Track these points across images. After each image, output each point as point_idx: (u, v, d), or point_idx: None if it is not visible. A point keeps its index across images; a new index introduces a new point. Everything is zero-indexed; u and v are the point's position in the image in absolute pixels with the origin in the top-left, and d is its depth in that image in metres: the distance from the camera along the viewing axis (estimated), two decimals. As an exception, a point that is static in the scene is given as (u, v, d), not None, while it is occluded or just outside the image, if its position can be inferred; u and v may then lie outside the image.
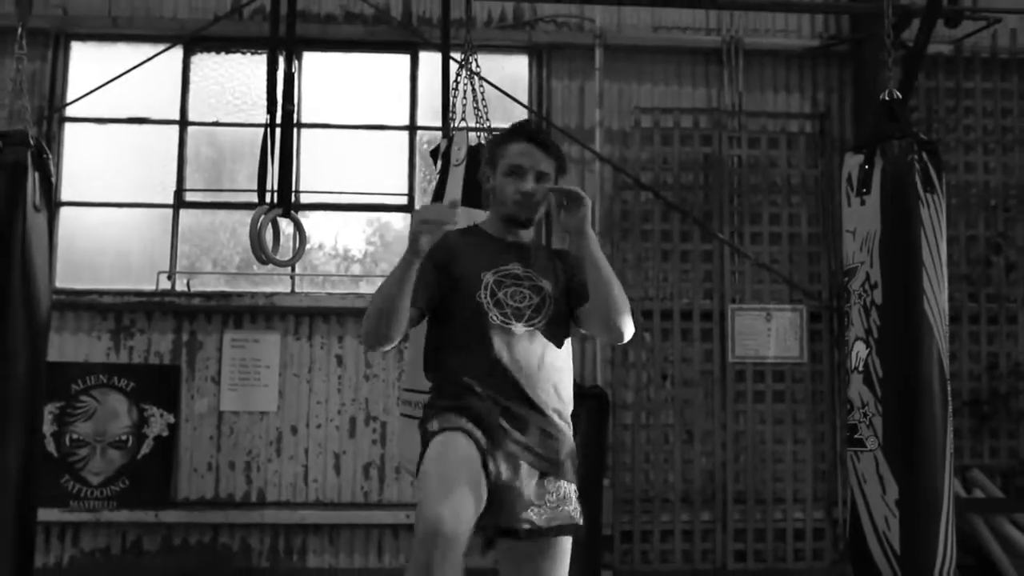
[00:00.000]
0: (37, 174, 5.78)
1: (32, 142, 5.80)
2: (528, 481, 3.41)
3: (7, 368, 5.55)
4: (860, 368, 6.04)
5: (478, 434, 3.34)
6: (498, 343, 3.49)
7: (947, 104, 8.94)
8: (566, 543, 3.49)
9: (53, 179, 5.98)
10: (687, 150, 8.71)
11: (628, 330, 3.55)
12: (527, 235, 3.75)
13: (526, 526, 3.36)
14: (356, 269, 8.84)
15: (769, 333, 8.56)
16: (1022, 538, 8.01)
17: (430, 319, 3.64)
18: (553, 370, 3.57)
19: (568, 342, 3.71)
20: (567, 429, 3.59)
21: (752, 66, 8.95)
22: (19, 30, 5.99)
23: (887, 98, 6.28)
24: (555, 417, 3.53)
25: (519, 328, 3.53)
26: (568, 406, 3.63)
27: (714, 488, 8.46)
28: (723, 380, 8.55)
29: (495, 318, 3.51)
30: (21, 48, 6.03)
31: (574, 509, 3.52)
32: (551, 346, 3.59)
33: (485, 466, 3.29)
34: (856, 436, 6.07)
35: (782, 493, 8.51)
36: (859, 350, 6.09)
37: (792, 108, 9.01)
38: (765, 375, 8.57)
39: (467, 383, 3.45)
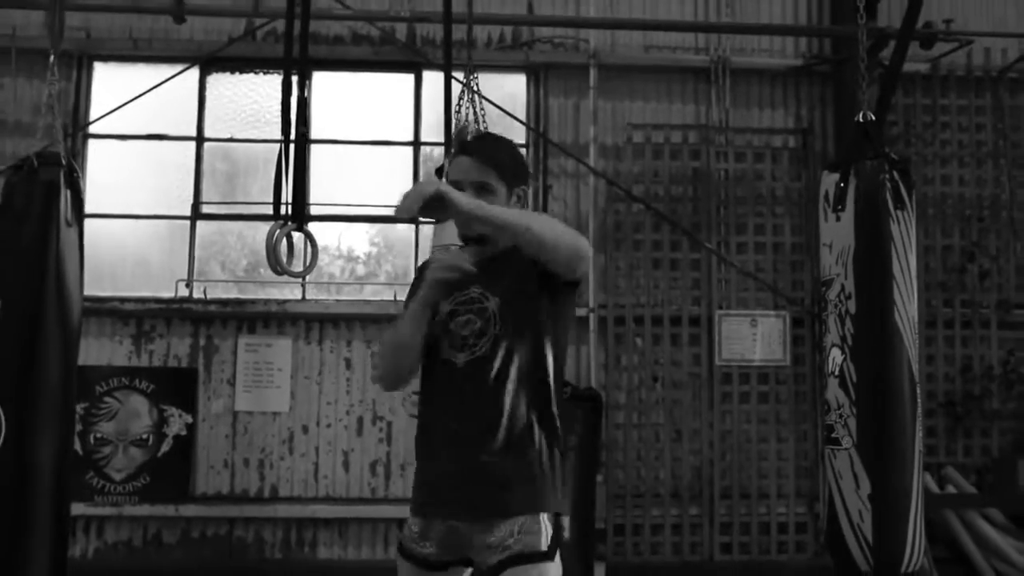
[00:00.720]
0: (69, 192, 5.99)
1: (64, 162, 6.05)
2: (468, 537, 3.13)
3: (42, 374, 5.79)
4: (836, 373, 6.30)
5: (420, 541, 3.22)
6: (443, 379, 3.25)
7: (924, 120, 9.17)
8: (524, 572, 3.07)
9: (83, 196, 6.24)
10: (676, 164, 8.93)
11: (578, 248, 3.09)
12: (496, 248, 3.31)
13: (481, 568, 3.14)
14: (360, 270, 9.07)
15: (754, 338, 8.78)
16: (992, 532, 8.23)
17: None
18: (500, 394, 3.17)
19: (537, 349, 3.25)
20: (519, 457, 3.17)
21: (738, 84, 9.16)
22: (51, 58, 6.20)
23: (861, 120, 6.53)
24: (498, 447, 3.14)
25: (461, 358, 3.21)
26: (527, 428, 3.20)
27: (701, 484, 8.68)
28: (710, 382, 8.76)
29: (443, 352, 3.25)
30: (53, 75, 6.25)
31: (527, 536, 3.10)
32: (499, 368, 3.18)
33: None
34: (833, 435, 6.32)
35: (766, 489, 8.72)
36: (835, 356, 6.35)
37: (776, 124, 9.21)
38: (750, 377, 8.79)
39: (422, 443, 3.30)
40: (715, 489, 8.69)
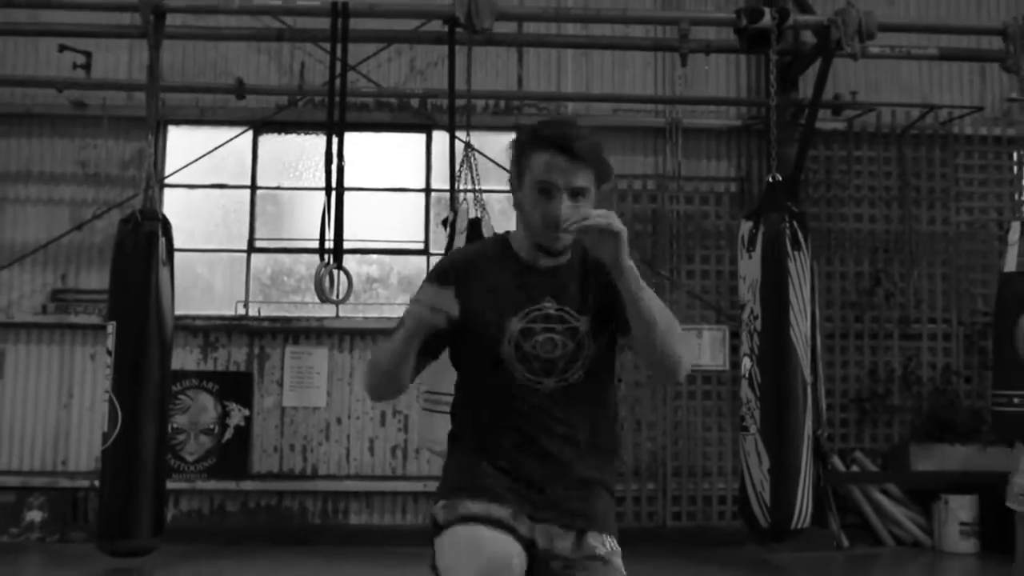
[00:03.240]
0: (164, 239, 7.30)
1: (160, 217, 7.37)
2: (560, 543, 2.70)
3: (146, 377, 7.09)
4: (746, 376, 7.55)
5: (497, 512, 2.66)
6: (522, 407, 2.68)
7: (841, 168, 10.07)
8: (611, 570, 2.68)
9: (174, 242, 7.53)
10: (638, 206, 9.82)
11: (681, 367, 2.65)
12: (565, 257, 2.75)
13: (563, 556, 2.69)
14: (375, 271, 9.86)
15: (700, 347, 9.55)
16: (888, 503, 9.21)
17: (452, 355, 2.87)
18: (592, 421, 2.75)
19: (611, 386, 2.86)
20: (601, 491, 2.80)
21: (689, 141, 10.00)
22: (149, 136, 7.51)
23: (771, 180, 7.81)
24: (583, 486, 2.75)
25: (549, 384, 2.68)
26: (608, 471, 2.86)
27: (657, 464, 9.51)
28: (664, 383, 9.49)
29: (520, 376, 2.67)
30: (152, 147, 7.55)
31: (614, 556, 2.72)
32: (588, 400, 2.73)
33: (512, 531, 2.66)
34: (743, 424, 7.57)
35: (709, 468, 9.56)
36: (746, 363, 7.60)
37: (720, 173, 10.07)
38: (697, 379, 9.59)
39: (483, 462, 2.73)
40: (668, 468, 9.50)
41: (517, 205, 2.73)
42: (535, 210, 2.63)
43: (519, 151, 2.71)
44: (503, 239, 2.80)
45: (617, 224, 2.48)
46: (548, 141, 2.62)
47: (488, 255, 2.76)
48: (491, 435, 2.72)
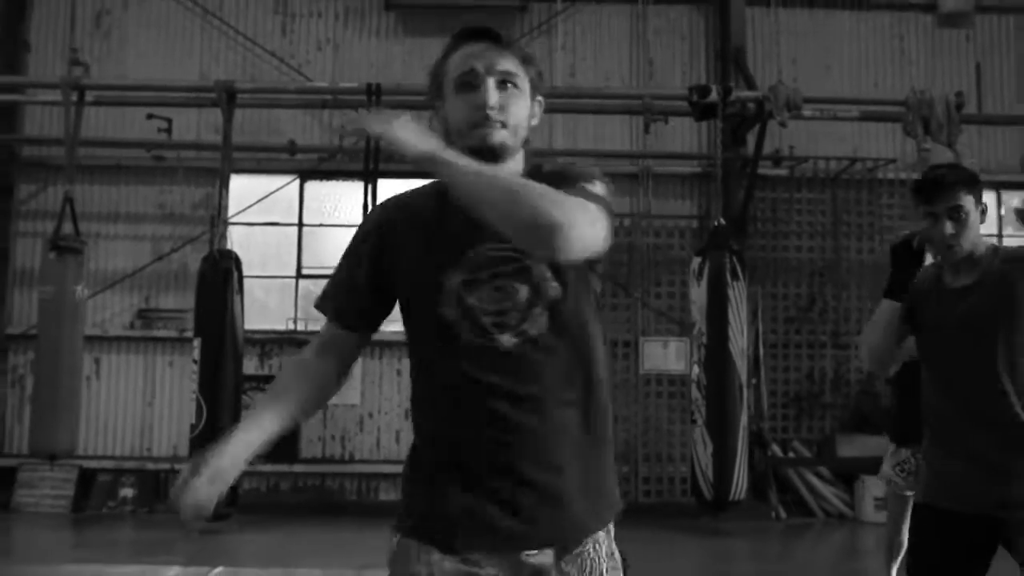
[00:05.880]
0: (236, 273, 8.48)
1: (233, 255, 8.56)
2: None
3: (225, 380, 8.21)
4: (695, 380, 8.75)
5: None
6: (476, 373, 1.88)
7: (784, 207, 11.16)
8: None
9: (243, 275, 8.69)
10: (616, 240, 10.22)
11: (556, 229, 1.71)
12: (512, 168, 1.96)
13: None
14: None
15: (666, 355, 10.67)
16: (819, 483, 10.28)
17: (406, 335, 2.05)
18: (577, 386, 1.93)
19: (594, 328, 1.99)
20: (599, 468, 2.05)
21: (658, 185, 11.11)
22: (224, 191, 8.72)
23: (715, 224, 8.98)
24: (576, 461, 1.97)
25: (507, 340, 1.87)
26: (599, 431, 2.03)
27: (630, 451, 10.55)
28: (636, 384, 10.66)
29: (469, 336, 1.90)
30: (222, 195, 8.74)
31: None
32: (562, 350, 1.91)
33: None
34: (693, 418, 8.73)
35: (673, 455, 10.56)
36: (695, 369, 8.78)
37: (683, 211, 11.17)
38: (663, 381, 10.66)
39: (430, 465, 2.02)
40: (639, 454, 10.56)
41: (443, 129, 1.99)
42: (461, 109, 1.94)
43: (436, 70, 2.02)
44: (427, 186, 2.04)
45: (380, 125, 1.82)
46: (464, 35, 2.00)
47: (421, 201, 2.03)
48: (444, 424, 1.97)
